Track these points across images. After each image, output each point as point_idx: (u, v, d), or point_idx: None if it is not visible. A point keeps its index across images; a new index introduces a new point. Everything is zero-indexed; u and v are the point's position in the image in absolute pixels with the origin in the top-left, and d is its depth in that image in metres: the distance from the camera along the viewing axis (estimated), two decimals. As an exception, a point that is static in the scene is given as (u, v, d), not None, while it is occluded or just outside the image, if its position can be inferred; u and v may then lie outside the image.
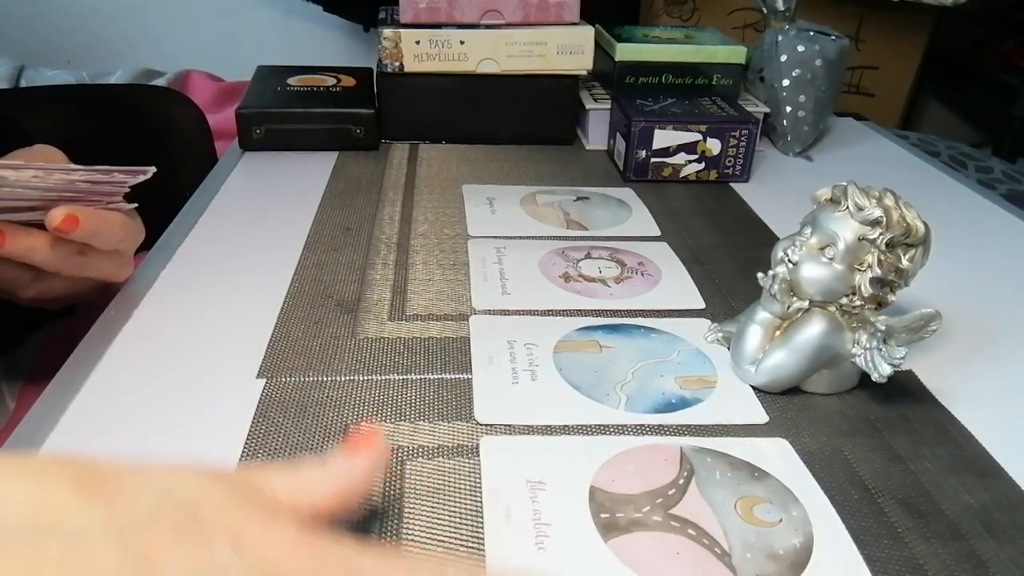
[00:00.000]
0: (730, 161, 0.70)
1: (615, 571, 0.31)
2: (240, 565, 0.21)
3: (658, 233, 0.61)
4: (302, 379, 0.42)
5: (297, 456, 0.36)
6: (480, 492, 0.34)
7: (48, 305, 0.47)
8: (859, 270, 0.40)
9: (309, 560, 0.23)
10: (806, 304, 0.41)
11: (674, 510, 0.34)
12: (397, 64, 0.73)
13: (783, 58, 0.77)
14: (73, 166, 0.42)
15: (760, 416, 0.40)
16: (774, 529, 0.33)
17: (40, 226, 0.41)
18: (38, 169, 0.39)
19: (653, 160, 0.70)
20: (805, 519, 0.34)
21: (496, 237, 0.59)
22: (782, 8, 0.78)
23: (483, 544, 0.32)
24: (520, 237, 0.59)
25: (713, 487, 0.35)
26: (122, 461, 0.24)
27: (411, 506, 0.34)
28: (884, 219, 0.39)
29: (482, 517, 0.33)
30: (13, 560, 0.20)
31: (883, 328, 0.39)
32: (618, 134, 0.73)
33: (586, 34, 0.74)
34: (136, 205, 0.45)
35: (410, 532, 0.32)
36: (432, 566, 0.25)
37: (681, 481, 0.35)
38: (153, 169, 0.44)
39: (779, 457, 0.37)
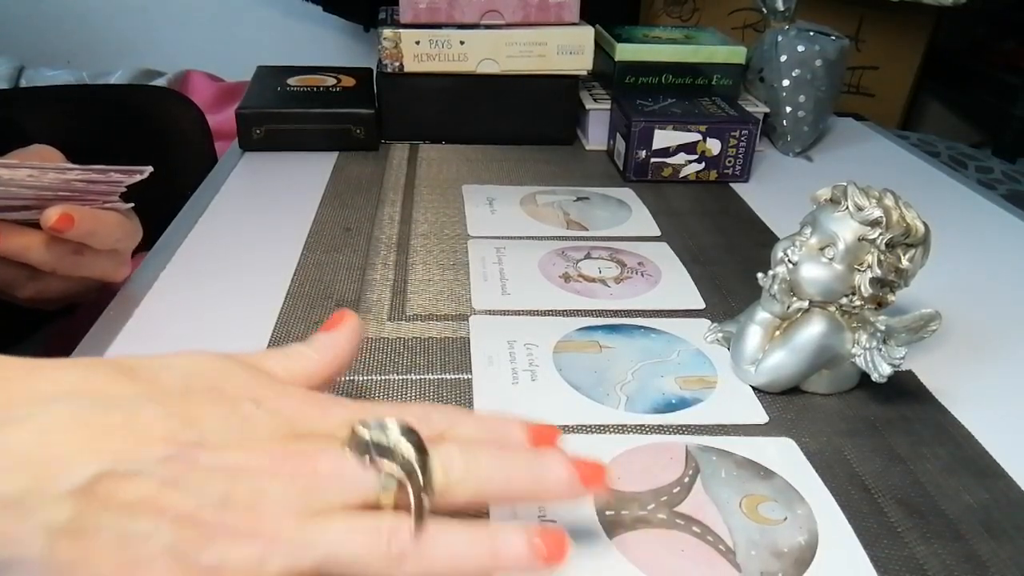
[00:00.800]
0: (730, 161, 0.70)
1: (620, 568, 0.31)
2: (261, 414, 0.26)
3: (658, 233, 0.61)
4: (302, 379, 0.42)
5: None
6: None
7: (46, 305, 0.47)
8: (859, 270, 0.40)
9: (316, 408, 0.28)
10: (806, 304, 0.41)
11: (679, 508, 0.34)
12: (397, 64, 0.73)
13: (783, 58, 0.77)
14: (69, 165, 0.42)
15: (760, 416, 0.40)
16: (779, 527, 0.33)
17: (36, 225, 0.41)
18: (33, 168, 0.39)
19: (653, 160, 0.70)
20: (810, 517, 0.34)
21: (496, 237, 0.59)
22: (782, 8, 0.78)
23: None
24: (520, 237, 0.59)
25: (718, 485, 0.35)
26: (147, 357, 0.28)
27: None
28: (884, 219, 0.39)
29: (486, 517, 0.33)
30: (88, 424, 0.24)
31: (883, 328, 0.39)
32: (618, 134, 0.73)
33: (586, 34, 0.74)
34: (133, 205, 0.45)
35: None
36: (417, 409, 0.29)
37: (686, 479, 0.35)
38: (150, 169, 0.44)
39: (784, 456, 0.37)
